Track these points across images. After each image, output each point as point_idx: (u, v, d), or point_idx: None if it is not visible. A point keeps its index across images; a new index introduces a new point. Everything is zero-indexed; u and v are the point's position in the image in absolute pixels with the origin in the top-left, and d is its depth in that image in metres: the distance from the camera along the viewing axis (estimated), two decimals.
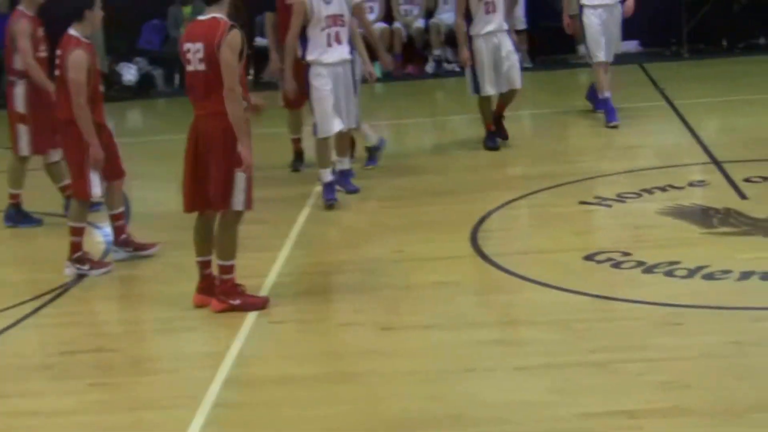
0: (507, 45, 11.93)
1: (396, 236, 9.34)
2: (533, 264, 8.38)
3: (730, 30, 17.69)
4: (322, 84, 10.04)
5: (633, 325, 7.05)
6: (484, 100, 12.15)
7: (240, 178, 7.61)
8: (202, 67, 7.60)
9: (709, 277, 7.76)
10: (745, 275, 7.71)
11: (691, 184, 10.28)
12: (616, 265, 8.17)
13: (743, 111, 13.43)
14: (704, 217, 9.20)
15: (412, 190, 10.86)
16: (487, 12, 11.78)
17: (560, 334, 7.05)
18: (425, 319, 7.50)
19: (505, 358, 6.80)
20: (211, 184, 7.65)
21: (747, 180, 10.06)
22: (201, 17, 7.78)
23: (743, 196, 9.61)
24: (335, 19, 10.03)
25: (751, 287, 7.55)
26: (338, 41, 10.08)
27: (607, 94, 12.91)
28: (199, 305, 7.87)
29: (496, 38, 11.89)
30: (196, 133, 7.71)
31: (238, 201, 7.66)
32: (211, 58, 7.55)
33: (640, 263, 8.12)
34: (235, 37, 7.56)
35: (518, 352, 6.88)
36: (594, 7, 12.75)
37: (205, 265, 7.89)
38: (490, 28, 11.85)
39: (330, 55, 10.06)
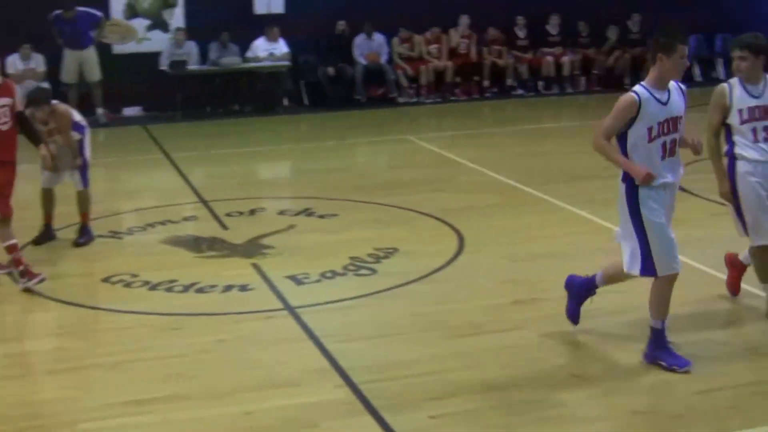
0: None
1: None
2: (62, 287, 8.12)
3: (213, 98, 18.02)
4: None
5: (141, 331, 7.02)
6: None
7: None
8: (6, 120, 7.48)
9: (200, 290, 7.87)
10: (228, 288, 7.90)
11: (185, 219, 10.36)
12: (128, 284, 8.09)
13: (222, 161, 13.74)
14: (196, 244, 9.30)
15: None
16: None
17: (82, 342, 6.91)
18: None
19: (36, 365, 6.61)
20: None
21: (228, 215, 10.31)
22: None
23: (225, 227, 9.82)
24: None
25: (233, 297, 7.74)
26: None
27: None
28: None
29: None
30: None
31: None
32: (14, 112, 7.43)
33: (146, 282, 8.10)
34: None
35: (48, 360, 6.69)
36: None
37: None
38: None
39: None
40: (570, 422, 5.48)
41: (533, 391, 5.85)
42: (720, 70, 20.30)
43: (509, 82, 19.43)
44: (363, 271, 8.26)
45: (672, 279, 6.08)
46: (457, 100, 18.83)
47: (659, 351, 6.16)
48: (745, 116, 6.68)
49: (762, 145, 6.68)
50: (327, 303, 7.52)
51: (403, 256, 8.70)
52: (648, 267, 6.04)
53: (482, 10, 19.09)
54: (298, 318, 7.17)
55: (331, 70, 18.31)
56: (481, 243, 9.02)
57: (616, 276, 6.52)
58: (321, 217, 10.18)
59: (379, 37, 18.66)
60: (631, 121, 5.92)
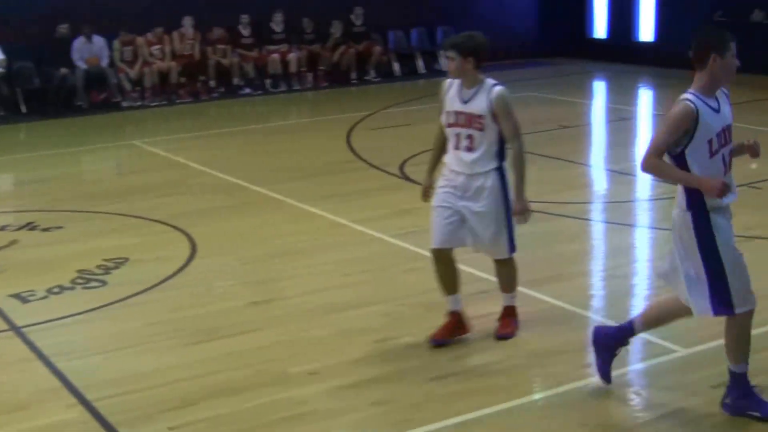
0: None
1: None
2: None
3: None
4: None
5: None
6: None
7: None
8: None
9: None
10: None
11: None
12: None
13: None
14: None
15: None
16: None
17: None
18: None
19: None
20: None
21: None
22: None
23: None
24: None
25: None
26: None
27: None
28: None
29: None
30: None
31: None
32: None
33: None
34: None
35: None
36: None
37: None
38: None
39: None
40: (313, 419, 5.55)
41: (274, 392, 5.89)
42: (443, 63, 21.09)
43: (236, 81, 19.39)
44: (92, 284, 8.05)
45: (750, 314, 5.25)
46: (183, 102, 18.56)
47: (746, 399, 5.33)
48: (451, 119, 6.31)
49: (462, 153, 6.28)
50: (56, 320, 7.27)
51: (133, 265, 8.54)
52: (723, 304, 5.15)
53: (206, 9, 18.97)
54: (24, 338, 6.90)
55: (65, 70, 17.55)
56: (214, 246, 8.98)
57: (663, 317, 5.63)
58: (45, 230, 9.81)
59: (98, 40, 18.14)
60: (688, 137, 5.08)
